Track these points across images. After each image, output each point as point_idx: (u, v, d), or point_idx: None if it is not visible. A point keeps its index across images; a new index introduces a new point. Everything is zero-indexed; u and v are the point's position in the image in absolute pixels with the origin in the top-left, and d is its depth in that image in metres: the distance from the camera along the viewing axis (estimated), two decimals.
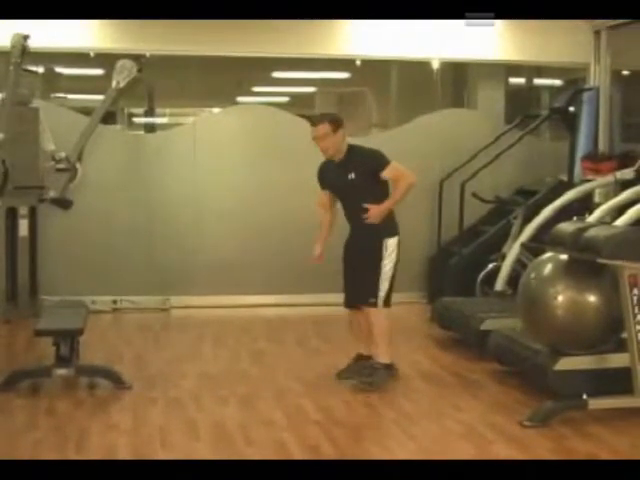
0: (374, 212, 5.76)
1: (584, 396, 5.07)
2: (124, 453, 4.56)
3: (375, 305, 5.80)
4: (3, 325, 7.45)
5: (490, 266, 7.94)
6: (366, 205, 5.77)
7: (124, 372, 5.91)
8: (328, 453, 4.63)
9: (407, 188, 5.79)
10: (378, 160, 5.84)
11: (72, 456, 4.49)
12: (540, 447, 4.73)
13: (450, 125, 9.07)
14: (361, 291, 5.87)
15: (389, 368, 5.88)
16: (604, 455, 4.63)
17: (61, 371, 5.65)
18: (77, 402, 5.46)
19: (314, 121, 5.91)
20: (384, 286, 5.81)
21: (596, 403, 5.08)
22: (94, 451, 4.60)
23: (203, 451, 4.65)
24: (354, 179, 5.82)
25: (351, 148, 5.92)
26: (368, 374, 5.79)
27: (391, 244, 5.84)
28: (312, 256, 6.03)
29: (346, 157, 5.89)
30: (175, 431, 4.96)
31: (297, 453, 4.60)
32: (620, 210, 6.43)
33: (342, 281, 6.00)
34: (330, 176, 5.97)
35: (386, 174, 5.79)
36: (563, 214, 6.94)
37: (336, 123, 5.84)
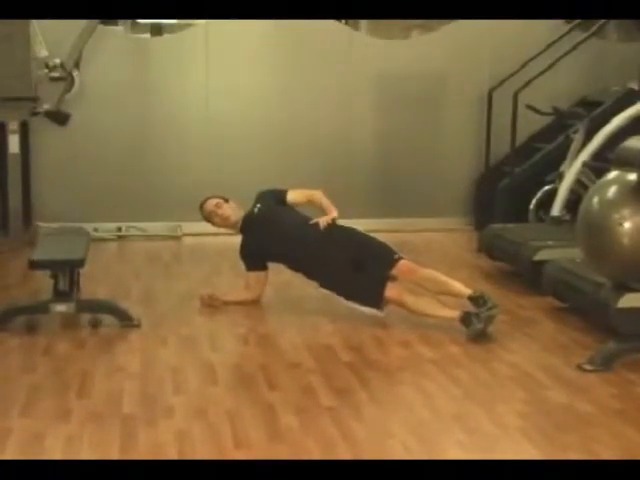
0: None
1: None
2: (131, 399, 4.61)
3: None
4: None
5: (546, 188, 7.89)
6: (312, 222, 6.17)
7: (131, 308, 5.96)
8: (360, 398, 4.68)
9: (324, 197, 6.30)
10: (276, 192, 6.40)
11: (73, 402, 4.55)
12: (602, 394, 4.74)
13: (501, 25, 8.90)
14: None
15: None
16: None
17: (60, 307, 5.70)
18: (78, 342, 5.51)
19: (201, 203, 6.48)
20: None
21: None
22: (97, 397, 4.65)
23: (220, 396, 4.71)
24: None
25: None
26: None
27: None
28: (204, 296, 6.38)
29: (247, 215, 6.35)
30: (189, 374, 5.00)
31: (325, 399, 4.65)
32: None
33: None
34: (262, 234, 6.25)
35: (291, 198, 6.37)
36: (632, 128, 6.86)
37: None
